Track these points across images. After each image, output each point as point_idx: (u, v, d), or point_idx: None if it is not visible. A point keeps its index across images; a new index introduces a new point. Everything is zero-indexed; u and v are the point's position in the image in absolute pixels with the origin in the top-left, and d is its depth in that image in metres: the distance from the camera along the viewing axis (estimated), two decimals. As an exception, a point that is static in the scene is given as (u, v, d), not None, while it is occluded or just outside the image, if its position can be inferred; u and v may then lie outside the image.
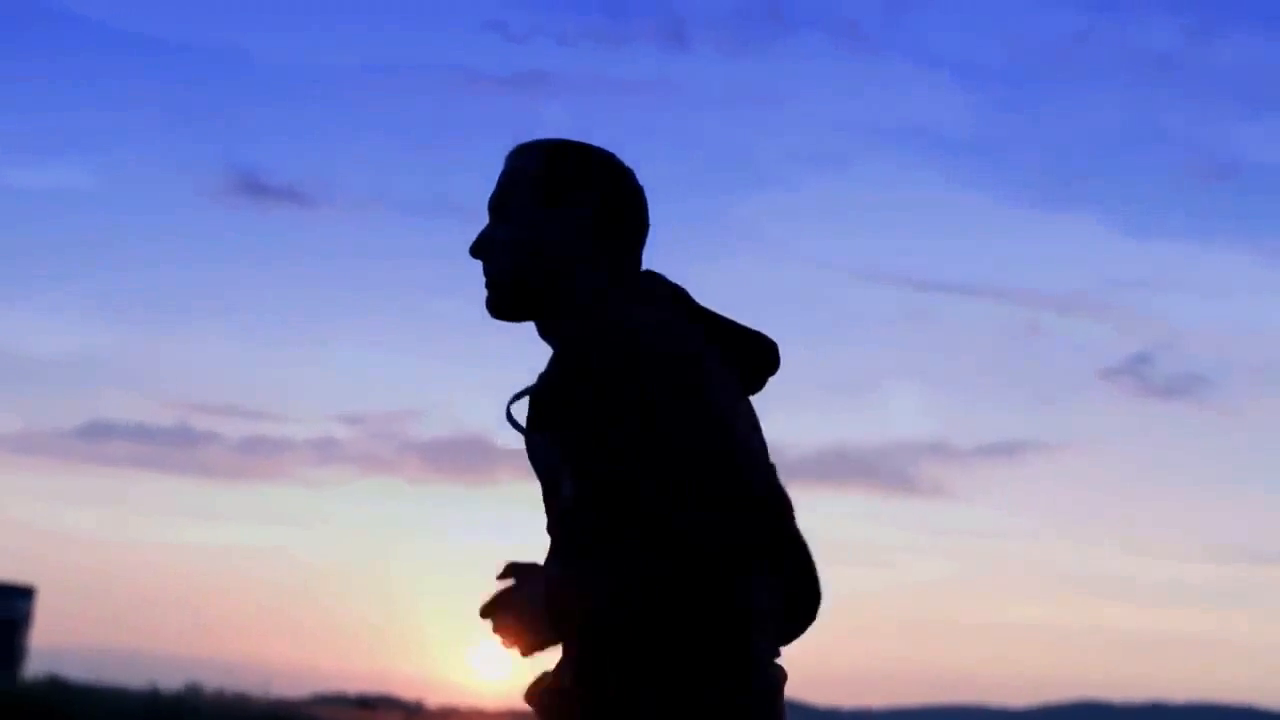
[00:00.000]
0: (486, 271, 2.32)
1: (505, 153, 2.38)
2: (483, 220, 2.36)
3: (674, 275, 2.35)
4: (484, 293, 2.33)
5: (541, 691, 2.20)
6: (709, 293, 2.33)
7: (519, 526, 2.45)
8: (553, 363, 2.19)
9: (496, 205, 2.34)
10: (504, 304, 2.32)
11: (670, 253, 2.39)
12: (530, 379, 2.20)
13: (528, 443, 2.22)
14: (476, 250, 2.33)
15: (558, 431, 2.14)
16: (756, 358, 2.31)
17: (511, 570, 2.17)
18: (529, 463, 2.24)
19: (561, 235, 2.28)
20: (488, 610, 2.14)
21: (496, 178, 2.36)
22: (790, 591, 2.23)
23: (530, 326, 2.34)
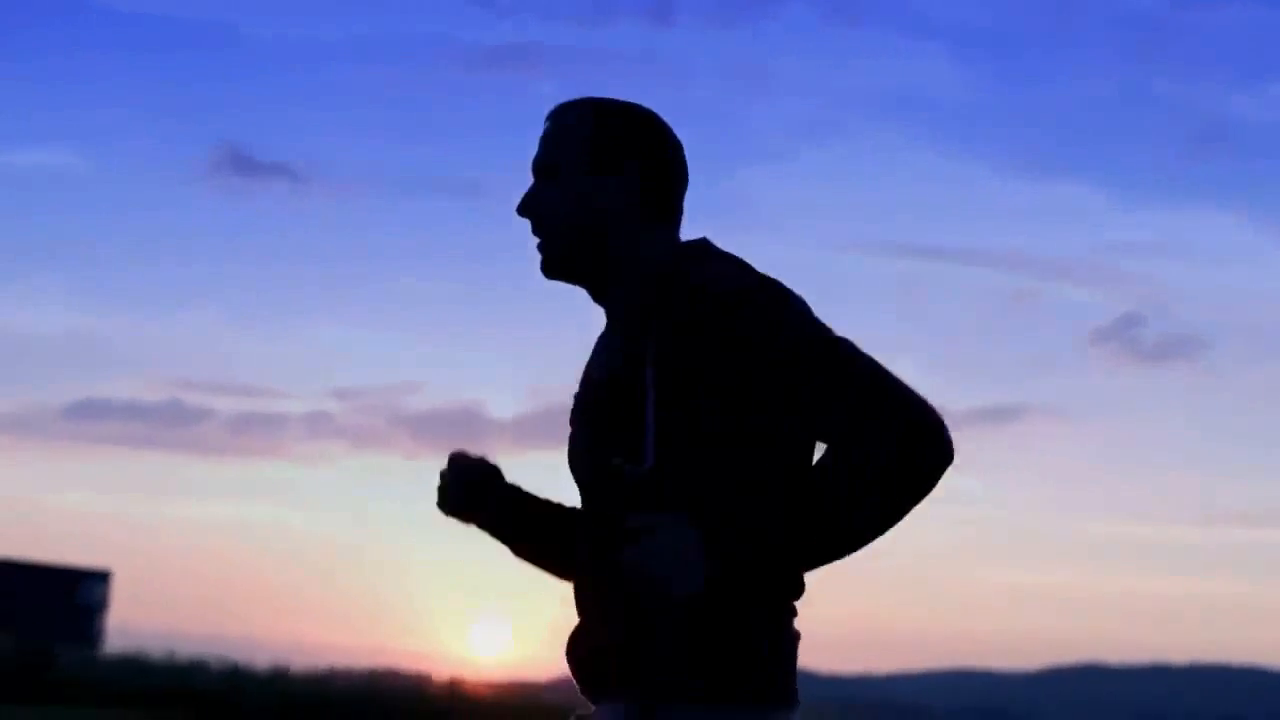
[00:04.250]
0: (539, 232, 2.33)
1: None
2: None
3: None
4: (535, 255, 2.33)
5: (592, 650, 2.21)
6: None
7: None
8: (692, 311, 2.19)
9: (544, 165, 2.34)
10: (563, 264, 2.32)
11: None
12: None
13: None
14: (525, 209, 2.34)
15: (703, 374, 2.16)
16: None
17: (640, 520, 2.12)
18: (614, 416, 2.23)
19: (616, 196, 2.30)
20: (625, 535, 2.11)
21: (539, 138, 2.35)
22: None
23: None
